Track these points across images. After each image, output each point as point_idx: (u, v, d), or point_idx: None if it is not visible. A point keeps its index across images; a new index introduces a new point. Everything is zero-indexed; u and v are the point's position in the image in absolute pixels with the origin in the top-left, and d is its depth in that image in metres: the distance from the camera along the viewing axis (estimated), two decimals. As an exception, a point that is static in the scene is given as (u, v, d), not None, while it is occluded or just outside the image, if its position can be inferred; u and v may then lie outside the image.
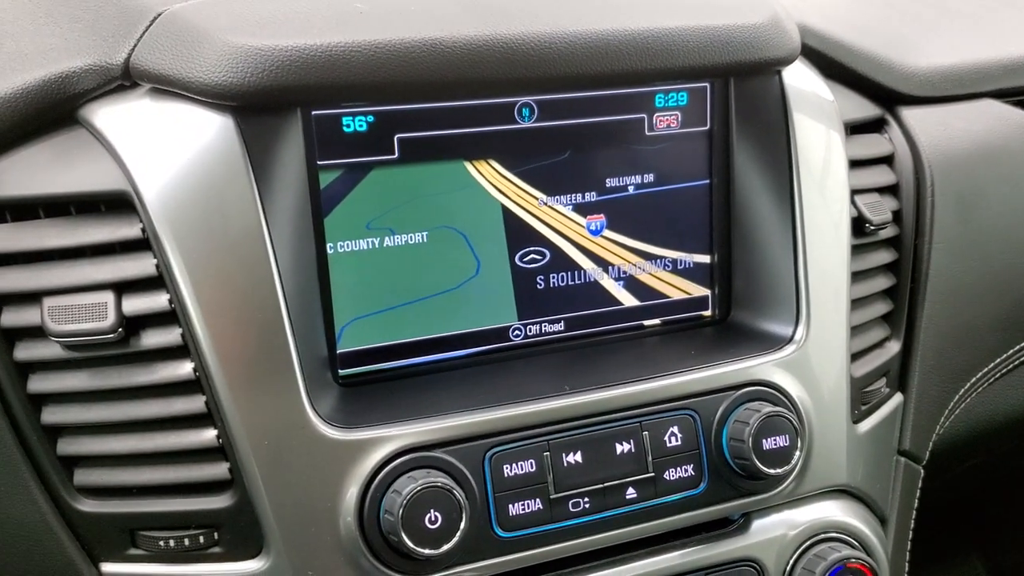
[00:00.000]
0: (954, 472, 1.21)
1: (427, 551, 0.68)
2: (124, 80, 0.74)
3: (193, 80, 0.68)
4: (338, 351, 0.77)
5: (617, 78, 0.77)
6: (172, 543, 0.70)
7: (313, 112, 0.73)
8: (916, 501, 0.99)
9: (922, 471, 0.99)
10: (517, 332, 0.83)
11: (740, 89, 0.85)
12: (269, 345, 0.69)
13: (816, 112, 0.87)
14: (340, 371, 0.77)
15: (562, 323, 0.85)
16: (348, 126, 0.74)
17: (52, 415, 0.70)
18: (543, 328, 0.84)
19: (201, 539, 0.70)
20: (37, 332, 0.69)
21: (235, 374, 0.68)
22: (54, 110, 0.72)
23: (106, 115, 0.72)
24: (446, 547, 0.68)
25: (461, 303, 0.81)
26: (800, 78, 0.87)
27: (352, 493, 0.69)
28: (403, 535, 0.67)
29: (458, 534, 0.68)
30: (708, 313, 0.90)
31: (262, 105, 0.70)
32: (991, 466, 1.35)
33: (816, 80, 0.90)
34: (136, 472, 0.70)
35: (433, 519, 0.68)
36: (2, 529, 0.71)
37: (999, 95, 1.07)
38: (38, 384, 0.70)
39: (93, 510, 0.71)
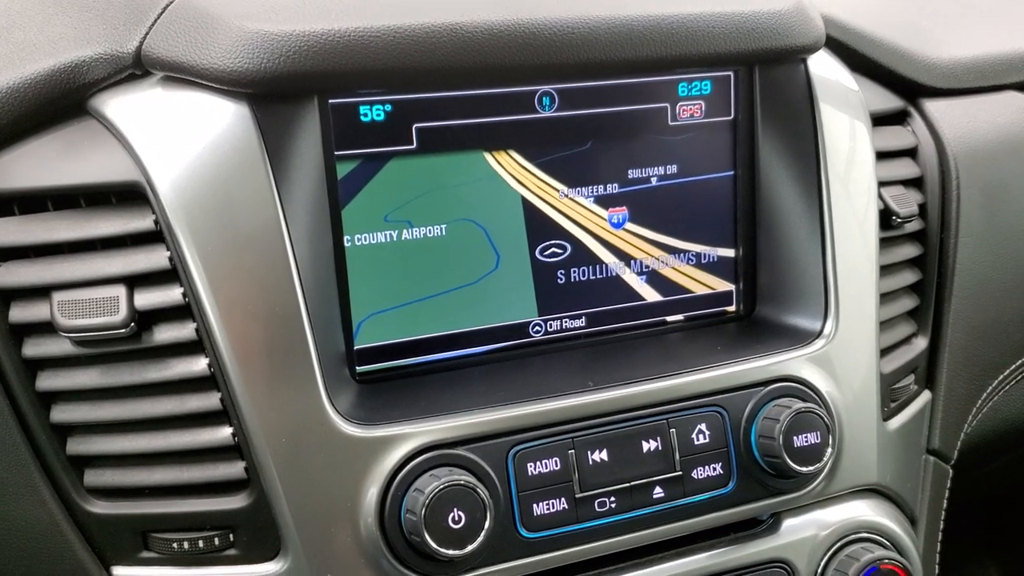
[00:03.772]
0: (980, 473, 1.18)
1: (451, 551, 0.65)
2: (136, 69, 0.72)
3: (208, 67, 0.66)
4: (355, 347, 0.75)
5: (640, 65, 0.75)
6: (186, 545, 0.68)
7: (330, 101, 0.71)
8: (945, 501, 0.96)
9: (951, 471, 0.97)
10: (537, 328, 0.81)
11: (765, 78, 0.83)
12: (287, 340, 0.67)
13: (842, 102, 0.85)
14: (357, 367, 0.75)
15: (583, 319, 0.83)
16: (365, 115, 0.72)
17: (62, 413, 0.68)
18: (564, 324, 0.82)
19: (216, 541, 0.68)
20: (47, 328, 0.67)
21: (251, 370, 0.66)
22: (64, 100, 0.71)
23: (117, 105, 0.70)
24: (470, 547, 0.66)
25: (480, 298, 0.79)
26: (825, 68, 0.85)
27: (372, 492, 0.67)
28: (426, 535, 0.65)
29: (483, 534, 0.66)
30: (732, 308, 0.87)
31: (278, 92, 0.68)
32: (1015, 468, 1.32)
33: (841, 70, 0.88)
34: (149, 472, 0.68)
35: (457, 518, 0.66)
36: (10, 532, 0.69)
37: (1022, 87, 1.05)
38: (48, 382, 0.68)
39: (104, 512, 0.69)
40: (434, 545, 0.65)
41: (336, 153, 0.72)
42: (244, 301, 0.66)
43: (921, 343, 0.94)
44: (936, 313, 0.96)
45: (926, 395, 0.95)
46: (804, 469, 0.75)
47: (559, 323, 0.82)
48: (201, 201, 0.66)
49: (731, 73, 0.83)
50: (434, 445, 0.69)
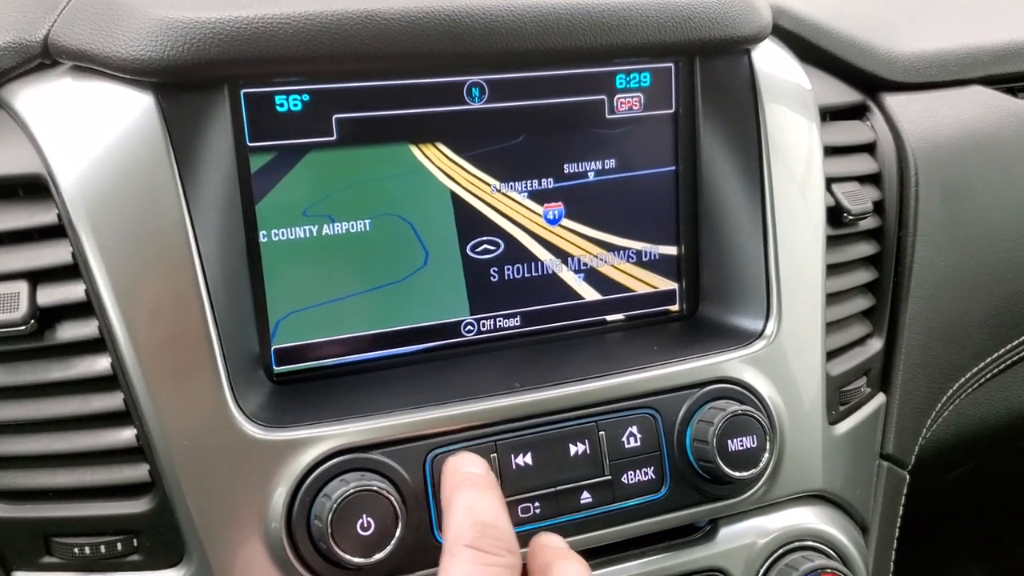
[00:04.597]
0: (948, 477, 1.15)
1: (358, 560, 0.63)
2: (44, 58, 0.69)
3: (111, 55, 0.64)
4: (273, 347, 0.72)
5: (572, 55, 0.73)
6: (88, 550, 0.65)
7: (243, 90, 0.68)
8: (901, 508, 0.93)
9: (907, 476, 0.94)
10: (469, 327, 0.78)
11: (707, 69, 0.80)
12: (189, 339, 0.64)
13: (788, 96, 0.82)
14: (275, 368, 0.73)
15: (518, 318, 0.80)
16: (281, 105, 0.70)
17: (-38, 414, 0.66)
18: (497, 323, 0.79)
19: (119, 546, 0.66)
20: (-54, 325, 0.65)
21: (153, 370, 0.63)
22: (-28, 91, 0.69)
23: (24, 95, 0.68)
24: (379, 555, 0.63)
25: (408, 296, 0.76)
26: (771, 60, 0.83)
27: (279, 497, 0.64)
28: (332, 542, 0.62)
29: (392, 541, 0.63)
30: (675, 308, 0.85)
31: (185, 82, 0.65)
32: (990, 471, 1.29)
33: (789, 62, 0.85)
34: (51, 474, 0.66)
35: (366, 525, 0.63)
36: (-93, 536, 0.66)
37: (988, 82, 1.02)
38: (-53, 381, 0.66)
39: (5, 515, 0.66)
40: (340, 553, 0.62)
41: (250, 145, 0.69)
42: (146, 299, 0.64)
43: (876, 344, 0.91)
44: (892, 313, 0.92)
45: (880, 398, 0.91)
46: (739, 474, 0.73)
47: (492, 322, 0.79)
48: (104, 195, 0.64)
49: (671, 65, 0.80)
50: (346, 449, 0.66)
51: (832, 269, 0.85)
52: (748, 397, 0.76)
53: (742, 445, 0.73)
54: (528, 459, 0.71)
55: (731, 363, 0.76)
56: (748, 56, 0.80)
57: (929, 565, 1.58)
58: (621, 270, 0.82)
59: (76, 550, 0.66)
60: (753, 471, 0.73)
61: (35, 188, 0.66)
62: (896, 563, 0.95)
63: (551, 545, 0.66)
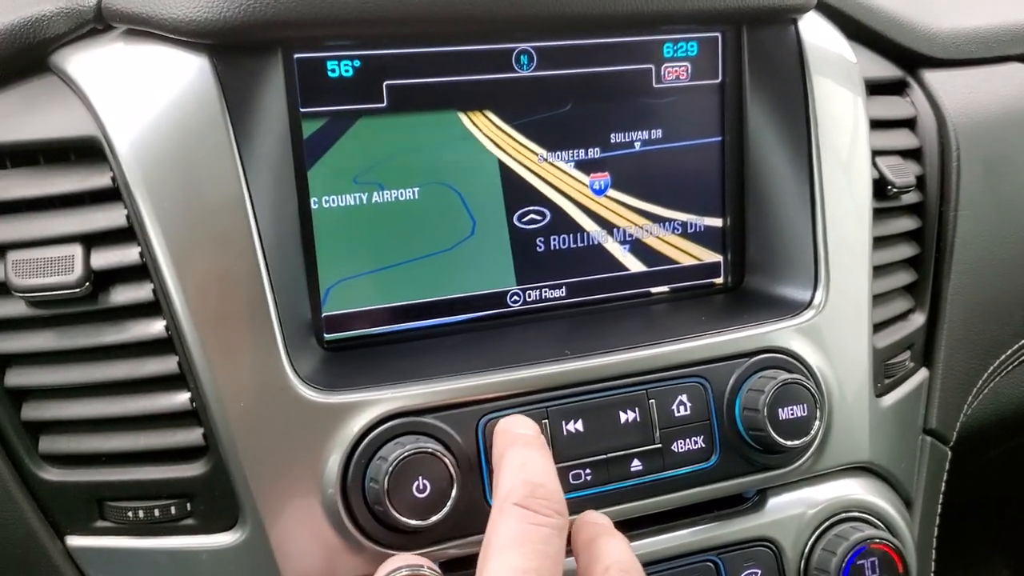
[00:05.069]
0: (983, 458, 1.15)
1: (415, 522, 0.62)
2: (97, 23, 0.70)
3: (167, 17, 0.64)
4: (323, 314, 0.72)
5: (620, 20, 0.73)
6: (142, 514, 0.65)
7: (296, 55, 0.68)
8: (943, 484, 0.93)
9: (950, 453, 0.93)
10: (516, 297, 0.78)
11: (754, 40, 0.80)
12: (246, 302, 0.64)
13: (835, 67, 0.82)
14: (326, 335, 0.73)
15: (564, 288, 0.80)
16: (333, 71, 0.69)
17: (16, 377, 0.66)
18: (543, 293, 0.79)
19: (173, 509, 0.66)
20: (1, 288, 0.65)
21: (209, 333, 0.63)
22: (25, 56, 0.69)
23: (77, 60, 0.68)
24: (435, 517, 0.63)
25: (455, 266, 0.76)
26: (818, 32, 0.82)
27: (334, 460, 0.64)
28: (388, 504, 0.62)
29: (448, 504, 0.63)
30: (720, 280, 0.84)
31: (240, 44, 0.65)
32: (1019, 456, 1.28)
33: (835, 36, 0.85)
34: (105, 438, 0.66)
35: (422, 487, 0.63)
36: (-39, 500, 0.66)
37: (1028, 59, 1.02)
38: (1, 344, 0.65)
39: (58, 479, 0.66)
40: (396, 515, 0.62)
41: (302, 110, 0.69)
42: (202, 262, 0.63)
43: (918, 319, 0.91)
44: (935, 289, 0.92)
45: (923, 373, 0.91)
46: (790, 443, 0.72)
47: (538, 293, 0.79)
48: (159, 158, 0.64)
49: (718, 34, 0.80)
50: (400, 412, 0.66)
51: (876, 242, 0.84)
52: (797, 367, 0.75)
53: (792, 413, 0.72)
54: (579, 426, 0.70)
55: (780, 332, 0.76)
56: (795, 27, 0.80)
57: (953, 557, 1.57)
58: (666, 242, 0.82)
59: (130, 514, 0.66)
60: (804, 439, 0.73)
61: (87, 151, 0.66)
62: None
63: (596, 522, 0.66)
